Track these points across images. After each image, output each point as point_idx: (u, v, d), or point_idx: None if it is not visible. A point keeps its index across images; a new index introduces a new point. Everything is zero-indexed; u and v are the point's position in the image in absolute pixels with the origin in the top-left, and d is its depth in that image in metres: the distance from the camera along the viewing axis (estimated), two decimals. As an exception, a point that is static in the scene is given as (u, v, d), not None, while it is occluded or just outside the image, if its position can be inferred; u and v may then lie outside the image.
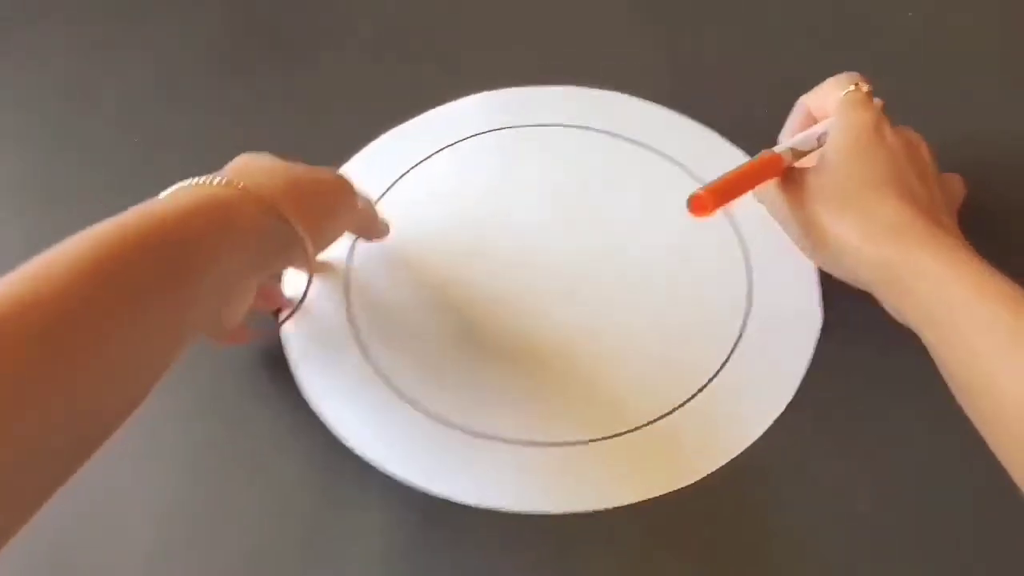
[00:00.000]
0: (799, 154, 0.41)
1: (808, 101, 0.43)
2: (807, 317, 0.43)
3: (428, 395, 0.41)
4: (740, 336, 0.43)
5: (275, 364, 0.42)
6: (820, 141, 0.41)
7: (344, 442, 0.40)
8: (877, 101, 0.40)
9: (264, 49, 0.53)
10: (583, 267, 0.45)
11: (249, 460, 0.40)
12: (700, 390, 0.42)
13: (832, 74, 0.42)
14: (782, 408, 0.41)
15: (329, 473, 0.40)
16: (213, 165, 0.39)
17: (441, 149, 0.49)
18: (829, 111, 0.41)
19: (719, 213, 0.45)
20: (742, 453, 0.40)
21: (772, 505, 0.39)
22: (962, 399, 0.33)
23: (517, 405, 0.41)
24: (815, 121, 0.43)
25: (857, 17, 0.54)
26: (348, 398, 0.41)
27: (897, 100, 0.41)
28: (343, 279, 0.45)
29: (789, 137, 0.43)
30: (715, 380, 0.42)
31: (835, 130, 0.39)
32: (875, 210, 0.35)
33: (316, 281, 0.44)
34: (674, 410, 0.41)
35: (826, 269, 0.40)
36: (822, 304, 0.43)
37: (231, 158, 0.37)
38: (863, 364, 0.41)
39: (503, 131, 0.50)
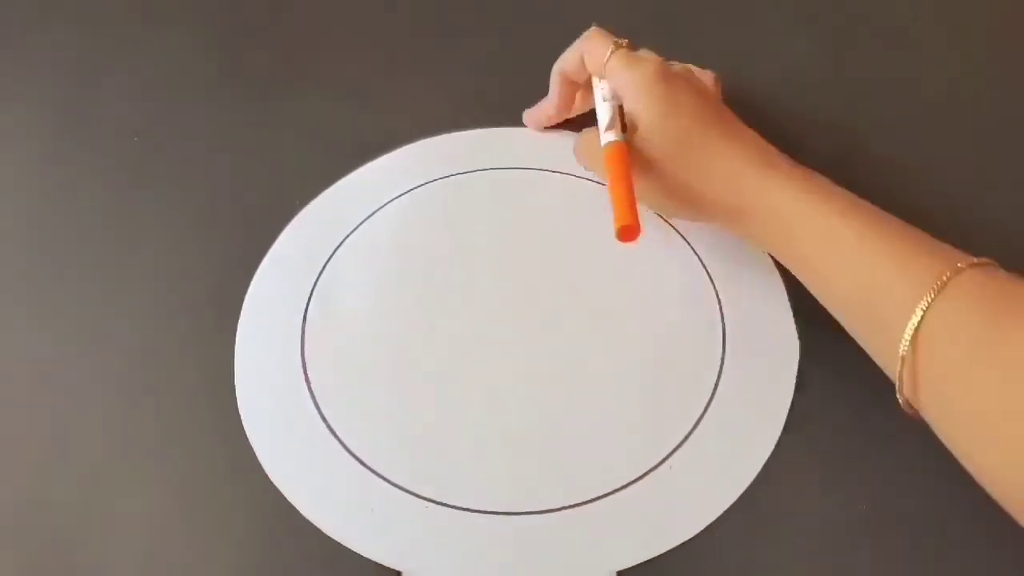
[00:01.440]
0: (622, 126, 0.41)
1: (566, 67, 0.45)
2: (784, 350, 0.41)
3: (390, 462, 0.39)
4: (717, 384, 0.41)
5: (231, 429, 0.40)
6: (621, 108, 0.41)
7: (304, 514, 0.38)
8: (644, 52, 0.42)
9: (258, 49, 0.54)
10: (546, 319, 0.43)
11: (202, 528, 0.38)
12: (678, 446, 0.39)
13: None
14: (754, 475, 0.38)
15: (287, 545, 0.37)
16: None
17: (393, 199, 0.47)
18: (601, 74, 0.42)
19: (690, 254, 0.45)
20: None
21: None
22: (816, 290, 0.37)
23: (477, 471, 0.39)
24: (575, 86, 0.45)
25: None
26: (305, 466, 0.39)
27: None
28: (298, 340, 0.42)
29: (555, 108, 0.47)
30: (697, 428, 0.40)
31: (632, 98, 0.40)
32: (709, 164, 0.38)
33: (272, 344, 0.42)
34: (649, 471, 0.38)
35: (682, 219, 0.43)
36: (799, 343, 0.42)
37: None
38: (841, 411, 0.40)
39: (457, 177, 0.48)
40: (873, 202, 0.37)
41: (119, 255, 0.46)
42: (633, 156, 0.40)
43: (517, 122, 0.50)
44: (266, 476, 0.39)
